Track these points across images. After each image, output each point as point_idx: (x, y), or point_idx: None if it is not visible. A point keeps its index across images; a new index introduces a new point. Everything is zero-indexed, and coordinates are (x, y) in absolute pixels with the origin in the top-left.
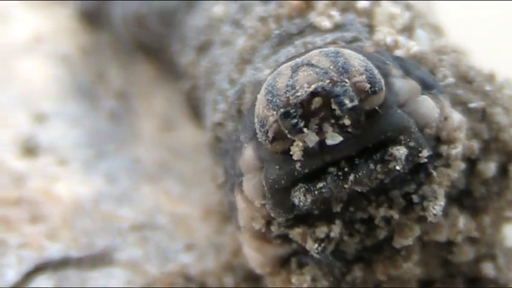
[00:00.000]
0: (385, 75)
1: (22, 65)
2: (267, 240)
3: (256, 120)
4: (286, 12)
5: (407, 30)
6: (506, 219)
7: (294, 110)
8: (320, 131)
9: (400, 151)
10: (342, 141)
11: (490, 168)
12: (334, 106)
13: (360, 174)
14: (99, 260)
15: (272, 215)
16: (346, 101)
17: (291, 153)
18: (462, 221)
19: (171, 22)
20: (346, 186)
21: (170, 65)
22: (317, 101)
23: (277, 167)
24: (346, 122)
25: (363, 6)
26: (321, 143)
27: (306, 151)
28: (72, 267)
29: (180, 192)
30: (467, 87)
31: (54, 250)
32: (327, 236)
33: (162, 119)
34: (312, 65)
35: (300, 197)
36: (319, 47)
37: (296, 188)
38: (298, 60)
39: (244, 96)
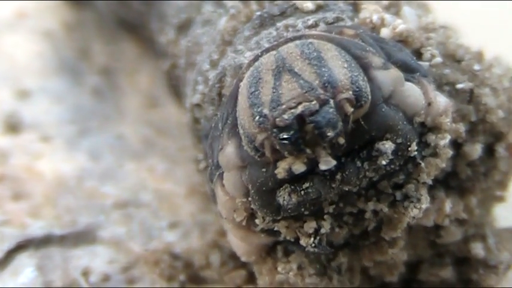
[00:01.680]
0: (366, 67)
1: (5, 41)
2: (252, 230)
3: (241, 131)
4: None
5: (394, 6)
6: (495, 198)
7: (287, 132)
8: (312, 153)
9: (386, 145)
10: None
11: (476, 150)
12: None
13: (347, 173)
14: (82, 237)
15: (259, 214)
16: (329, 133)
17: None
18: (449, 205)
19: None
20: (333, 185)
21: (151, 43)
22: (309, 130)
23: (263, 169)
24: (341, 140)
25: None
26: (312, 161)
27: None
28: (55, 245)
29: (164, 170)
30: (455, 67)
31: (36, 227)
32: (316, 230)
33: (146, 96)
34: (295, 73)
35: (285, 197)
36: (298, 37)
37: (281, 188)
38: (278, 60)
39: (224, 79)
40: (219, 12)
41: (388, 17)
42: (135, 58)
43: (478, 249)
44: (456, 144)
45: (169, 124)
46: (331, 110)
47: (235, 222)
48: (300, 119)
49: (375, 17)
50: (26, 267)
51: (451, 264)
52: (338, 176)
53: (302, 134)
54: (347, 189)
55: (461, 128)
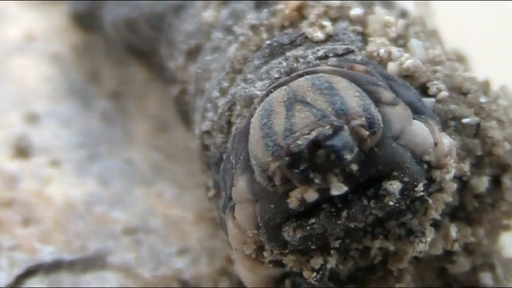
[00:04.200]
0: (376, 102)
1: (14, 64)
2: (260, 261)
3: (254, 162)
4: (278, 21)
5: (402, 38)
6: (503, 227)
7: (299, 160)
8: (324, 181)
9: (394, 186)
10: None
11: (482, 183)
12: (333, 159)
13: (353, 210)
14: (91, 263)
15: (267, 246)
16: (347, 156)
17: (288, 198)
18: (454, 229)
19: (160, 26)
20: (339, 222)
21: (160, 69)
22: (321, 155)
23: (272, 205)
24: (354, 167)
25: (356, 14)
26: (323, 191)
27: (302, 201)
28: (65, 271)
29: (173, 195)
30: (462, 100)
31: (46, 253)
32: (322, 266)
33: (155, 120)
34: (307, 103)
35: (289, 233)
36: (309, 72)
37: (287, 223)
38: (289, 93)
39: (234, 107)
40: (229, 40)
41: (395, 50)
42: (144, 82)
43: (486, 279)
44: (462, 180)
45: (178, 149)
46: (346, 133)
47: (244, 253)
48: (314, 145)
49: (382, 51)
50: None
51: None
52: (344, 213)
53: (313, 162)
54: (353, 225)
55: (466, 167)
